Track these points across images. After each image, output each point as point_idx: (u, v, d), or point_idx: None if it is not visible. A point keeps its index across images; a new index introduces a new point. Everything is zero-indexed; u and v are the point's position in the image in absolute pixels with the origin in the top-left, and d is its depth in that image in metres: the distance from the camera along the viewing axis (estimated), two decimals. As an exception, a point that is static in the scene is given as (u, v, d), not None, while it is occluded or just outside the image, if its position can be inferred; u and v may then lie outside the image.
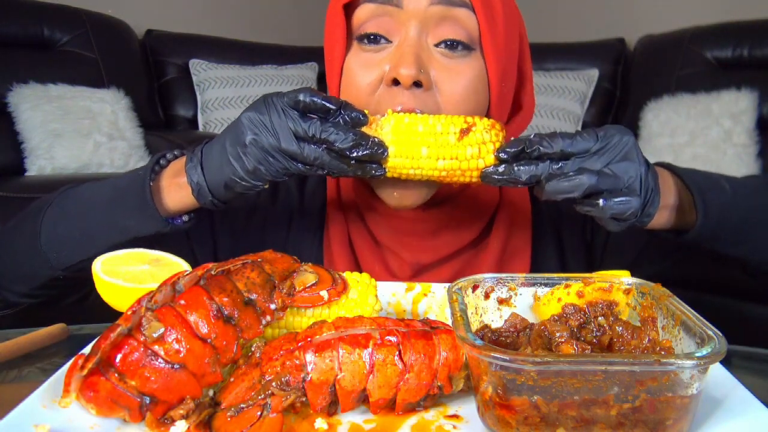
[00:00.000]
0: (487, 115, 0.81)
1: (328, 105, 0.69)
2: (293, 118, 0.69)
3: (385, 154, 0.69)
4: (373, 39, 0.74)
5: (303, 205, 0.94)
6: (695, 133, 2.51)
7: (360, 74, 0.76)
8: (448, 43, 0.73)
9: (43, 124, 2.35)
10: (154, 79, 3.09)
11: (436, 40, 0.74)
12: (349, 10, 0.77)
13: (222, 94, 3.03)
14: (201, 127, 3.04)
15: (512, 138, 0.70)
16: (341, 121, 0.69)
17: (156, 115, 3.00)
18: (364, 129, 0.71)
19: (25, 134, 2.36)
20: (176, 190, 0.77)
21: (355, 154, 0.68)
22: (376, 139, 0.69)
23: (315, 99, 0.69)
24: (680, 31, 2.87)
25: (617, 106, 3.11)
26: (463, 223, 0.88)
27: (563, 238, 0.94)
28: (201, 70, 3.07)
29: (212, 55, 3.15)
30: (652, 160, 0.75)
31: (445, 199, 0.86)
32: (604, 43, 3.16)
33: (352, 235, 0.90)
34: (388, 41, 0.75)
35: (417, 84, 0.73)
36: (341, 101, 0.69)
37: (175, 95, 3.10)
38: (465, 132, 0.70)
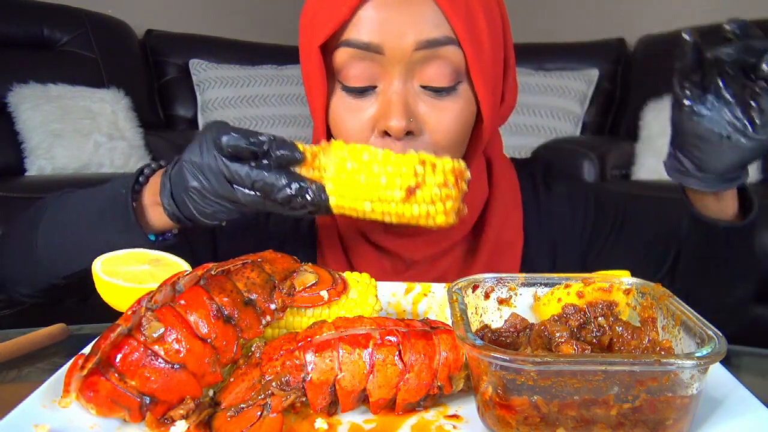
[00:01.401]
0: (479, 134, 0.79)
1: (253, 148, 0.65)
2: (223, 163, 0.66)
3: (326, 202, 0.66)
4: (359, 90, 0.72)
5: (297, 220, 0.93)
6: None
7: (348, 120, 0.73)
8: (435, 87, 0.71)
9: (43, 124, 2.35)
10: (154, 79, 3.09)
11: (422, 83, 0.71)
12: (325, 47, 0.73)
13: (222, 94, 3.03)
14: (201, 127, 3.04)
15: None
16: (273, 162, 0.65)
17: (156, 115, 3.00)
18: (305, 166, 0.66)
19: (25, 134, 2.36)
20: (158, 211, 0.75)
21: (291, 205, 0.65)
22: (313, 188, 0.66)
23: (238, 143, 0.65)
24: (680, 31, 2.87)
25: (617, 106, 3.11)
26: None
27: (556, 241, 0.93)
28: (201, 70, 3.07)
29: (212, 55, 3.15)
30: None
31: None
32: (604, 43, 3.16)
33: (343, 234, 0.88)
34: (373, 87, 0.72)
35: (410, 133, 0.71)
36: (267, 139, 0.65)
37: (175, 95, 3.10)
38: (411, 192, 0.65)
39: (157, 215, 0.76)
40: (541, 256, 0.92)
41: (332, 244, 0.87)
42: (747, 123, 0.67)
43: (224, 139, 0.65)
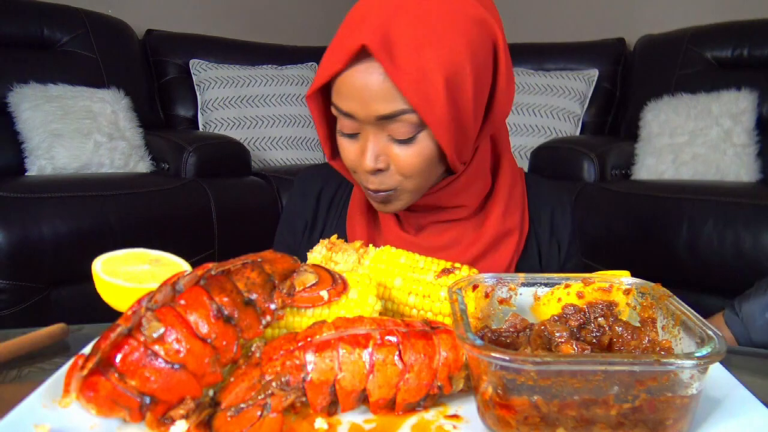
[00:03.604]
0: (447, 168, 0.93)
1: None
2: None
3: None
4: (349, 135, 0.89)
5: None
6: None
7: (347, 152, 0.90)
8: (396, 138, 0.86)
9: (43, 124, 2.34)
10: (154, 79, 3.08)
11: (387, 134, 0.86)
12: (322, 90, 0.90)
13: (222, 94, 3.03)
14: (201, 127, 3.04)
15: None
16: None
17: (156, 115, 3.00)
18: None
19: (25, 134, 2.36)
20: None
21: None
22: None
23: None
24: (680, 31, 2.87)
25: (617, 106, 3.11)
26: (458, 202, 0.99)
27: (541, 242, 1.03)
28: (201, 70, 3.07)
29: (212, 55, 3.15)
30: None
31: (438, 190, 0.96)
32: (604, 43, 3.16)
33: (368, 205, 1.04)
34: (358, 133, 0.88)
35: (379, 170, 0.87)
36: None
37: (175, 95, 3.10)
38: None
39: None
40: (532, 255, 1.01)
41: (358, 211, 1.04)
42: None
43: None
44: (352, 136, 0.89)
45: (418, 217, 1.00)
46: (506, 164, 1.02)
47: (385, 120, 0.83)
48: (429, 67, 0.80)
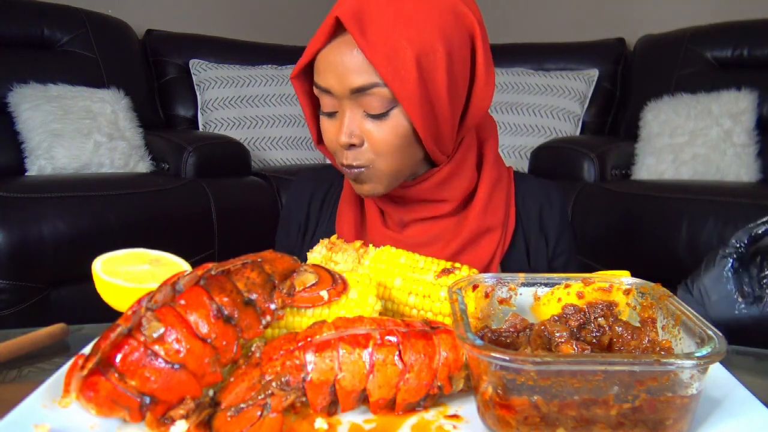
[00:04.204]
0: (425, 151, 0.94)
1: None
2: None
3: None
4: (328, 114, 0.93)
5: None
6: (695, 133, 2.51)
7: (328, 135, 0.94)
8: (370, 113, 0.89)
9: (43, 124, 2.34)
10: (154, 79, 3.08)
11: (363, 110, 0.89)
12: (306, 73, 0.95)
13: (222, 94, 3.03)
14: (201, 127, 3.04)
15: None
16: None
17: (156, 115, 3.00)
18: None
19: (25, 134, 2.36)
20: None
21: None
22: None
23: None
24: (680, 31, 2.87)
25: (617, 106, 3.11)
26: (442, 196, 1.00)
27: (529, 240, 1.04)
28: (201, 70, 3.07)
29: (212, 55, 3.15)
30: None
31: (422, 181, 0.98)
32: (604, 43, 3.16)
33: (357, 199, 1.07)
34: (336, 112, 0.92)
35: (353, 145, 0.90)
36: None
37: (175, 95, 3.09)
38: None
39: None
40: (520, 254, 1.03)
41: (349, 207, 1.07)
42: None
43: None
44: (332, 115, 0.92)
45: (401, 214, 1.01)
46: (490, 162, 1.04)
47: (359, 93, 0.86)
48: (400, 44, 0.85)
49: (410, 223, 1.02)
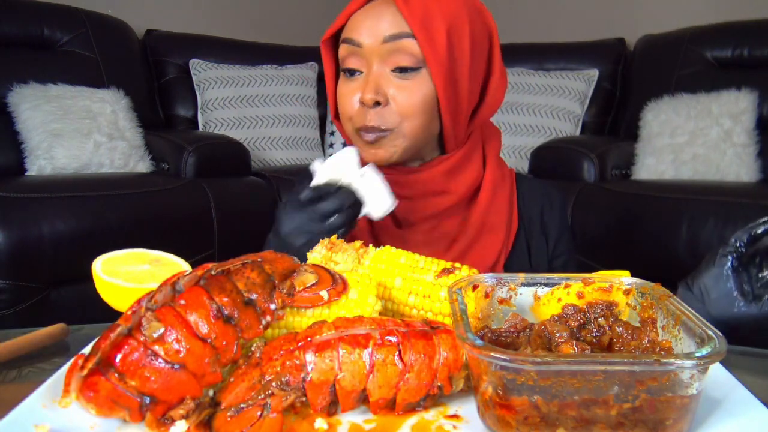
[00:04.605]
0: (440, 121, 0.96)
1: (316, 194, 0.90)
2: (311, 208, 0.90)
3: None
4: (351, 72, 0.96)
5: None
6: (695, 133, 2.51)
7: (345, 97, 0.96)
8: (399, 68, 0.92)
9: (43, 124, 2.34)
10: (154, 79, 3.08)
11: (391, 67, 0.93)
12: (335, 45, 0.99)
13: (222, 94, 3.03)
14: (201, 127, 3.04)
15: None
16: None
17: (156, 115, 3.00)
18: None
19: (25, 134, 2.36)
20: None
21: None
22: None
23: (311, 194, 0.90)
24: (680, 31, 2.87)
25: (617, 106, 3.11)
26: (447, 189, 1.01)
27: (530, 240, 1.06)
28: (201, 70, 3.07)
29: (212, 55, 3.15)
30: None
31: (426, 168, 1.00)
32: (604, 43, 3.16)
33: None
34: (361, 72, 0.95)
35: (378, 103, 0.92)
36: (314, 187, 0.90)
37: (175, 95, 3.10)
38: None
39: None
40: (522, 253, 1.04)
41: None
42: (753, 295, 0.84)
43: (304, 195, 0.90)
44: (353, 73, 0.95)
45: (407, 212, 1.02)
46: (493, 161, 1.05)
47: (389, 43, 0.91)
48: (434, 13, 0.91)
49: (416, 222, 1.03)
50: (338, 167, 0.91)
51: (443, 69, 0.91)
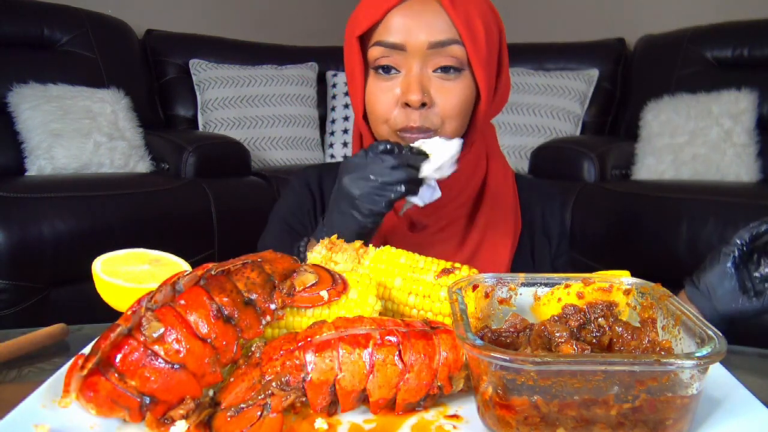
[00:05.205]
0: (474, 118, 0.96)
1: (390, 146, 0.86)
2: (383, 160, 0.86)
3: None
4: (387, 69, 0.93)
5: None
6: (695, 133, 2.51)
7: (380, 98, 0.93)
8: (443, 68, 0.91)
9: (43, 124, 2.34)
10: (154, 79, 3.08)
11: (433, 68, 0.91)
12: (363, 42, 0.95)
13: (222, 94, 3.03)
14: (201, 127, 3.04)
15: None
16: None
17: (156, 115, 3.00)
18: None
19: (25, 134, 2.36)
20: None
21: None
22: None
23: (385, 146, 0.86)
24: (680, 31, 2.87)
25: (617, 106, 3.11)
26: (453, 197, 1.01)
27: (534, 241, 1.07)
28: (201, 70, 3.07)
29: (212, 55, 3.15)
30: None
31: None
32: (604, 43, 3.16)
33: None
34: (398, 71, 0.93)
35: (423, 104, 0.90)
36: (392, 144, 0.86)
37: (175, 95, 3.10)
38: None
39: None
40: (525, 255, 1.05)
41: None
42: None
43: (381, 146, 0.85)
44: (389, 71, 0.92)
45: (421, 215, 1.01)
46: (494, 158, 1.06)
47: (435, 48, 0.89)
48: (473, 13, 0.92)
49: (428, 224, 1.02)
50: (442, 154, 0.86)
51: (484, 68, 0.91)
